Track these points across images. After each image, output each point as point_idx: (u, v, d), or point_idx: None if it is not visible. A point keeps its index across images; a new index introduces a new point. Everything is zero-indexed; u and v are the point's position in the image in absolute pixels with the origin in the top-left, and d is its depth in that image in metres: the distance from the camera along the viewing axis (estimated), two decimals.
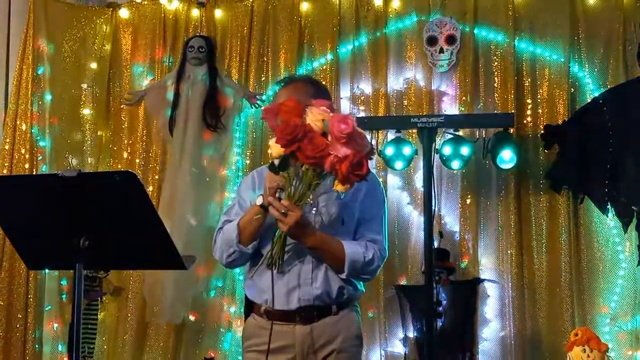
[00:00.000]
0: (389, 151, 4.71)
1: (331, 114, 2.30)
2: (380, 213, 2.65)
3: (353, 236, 2.59)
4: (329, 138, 2.27)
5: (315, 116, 2.28)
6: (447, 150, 4.66)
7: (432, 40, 5.03)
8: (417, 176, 4.95)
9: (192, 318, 5.09)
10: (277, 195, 2.37)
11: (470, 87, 4.98)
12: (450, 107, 5.04)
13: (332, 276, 2.54)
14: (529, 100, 4.95)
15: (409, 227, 4.98)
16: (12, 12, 5.51)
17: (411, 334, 4.75)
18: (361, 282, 2.65)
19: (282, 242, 2.44)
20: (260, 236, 2.55)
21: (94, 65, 5.53)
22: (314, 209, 2.52)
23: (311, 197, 2.40)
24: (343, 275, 2.54)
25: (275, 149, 2.31)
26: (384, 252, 2.63)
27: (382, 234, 2.65)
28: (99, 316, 5.09)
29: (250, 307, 2.69)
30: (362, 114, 5.07)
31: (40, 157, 5.27)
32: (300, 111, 2.29)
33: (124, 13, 5.56)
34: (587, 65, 4.90)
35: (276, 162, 2.35)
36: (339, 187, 2.30)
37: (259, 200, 2.46)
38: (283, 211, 2.34)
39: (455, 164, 4.72)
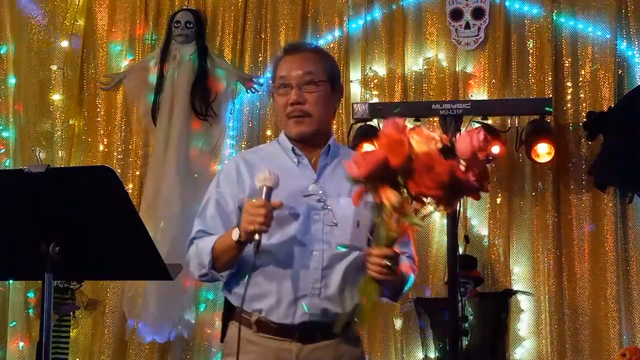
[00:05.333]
0: None
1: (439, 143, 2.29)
2: None
3: (367, 242, 2.50)
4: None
5: (428, 142, 2.27)
6: None
7: (456, 14, 5.03)
8: None
9: (178, 335, 5.10)
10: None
11: (500, 69, 4.99)
12: (477, 92, 5.04)
13: (350, 288, 2.45)
14: (569, 84, 4.96)
15: (429, 231, 4.99)
16: None
17: (432, 354, 4.76)
18: None
19: None
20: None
21: (64, 44, 5.53)
22: (326, 205, 2.46)
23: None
24: (395, 299, 2.56)
25: (394, 197, 2.19)
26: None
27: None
28: (71, 334, 5.10)
29: (230, 313, 2.58)
30: (375, 100, 5.07)
31: (3, 150, 5.28)
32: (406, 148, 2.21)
33: None
34: (636, 42, 4.90)
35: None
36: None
37: (235, 235, 2.36)
38: (382, 263, 2.25)
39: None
